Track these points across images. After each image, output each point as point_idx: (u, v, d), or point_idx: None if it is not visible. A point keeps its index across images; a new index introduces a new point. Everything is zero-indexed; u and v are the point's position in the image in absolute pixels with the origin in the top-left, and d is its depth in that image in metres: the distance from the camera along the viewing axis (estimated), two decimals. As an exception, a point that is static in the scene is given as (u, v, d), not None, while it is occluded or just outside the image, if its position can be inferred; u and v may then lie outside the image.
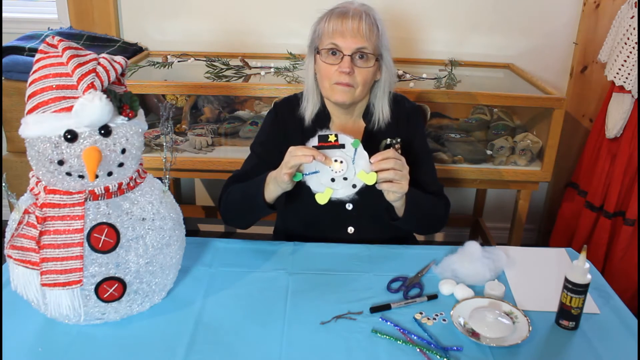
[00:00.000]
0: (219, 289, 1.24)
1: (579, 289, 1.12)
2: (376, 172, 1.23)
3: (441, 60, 2.45)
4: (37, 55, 1.01)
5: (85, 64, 0.99)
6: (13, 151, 2.36)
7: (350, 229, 1.49)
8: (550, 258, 1.42)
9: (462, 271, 1.28)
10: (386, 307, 1.19)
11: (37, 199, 1.02)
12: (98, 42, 2.37)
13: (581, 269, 1.12)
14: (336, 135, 1.22)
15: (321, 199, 1.23)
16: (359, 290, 1.25)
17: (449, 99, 2.07)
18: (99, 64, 1.00)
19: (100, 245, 1.02)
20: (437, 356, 1.06)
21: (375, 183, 1.24)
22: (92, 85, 0.98)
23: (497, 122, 2.25)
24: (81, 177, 1.00)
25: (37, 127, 0.97)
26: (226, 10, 2.46)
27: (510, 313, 1.16)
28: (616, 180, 2.16)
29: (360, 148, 1.23)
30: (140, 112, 1.07)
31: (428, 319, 1.16)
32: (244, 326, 1.13)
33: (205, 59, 2.34)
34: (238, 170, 1.53)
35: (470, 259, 1.30)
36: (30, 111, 0.99)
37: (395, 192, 1.26)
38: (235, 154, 2.10)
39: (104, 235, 1.03)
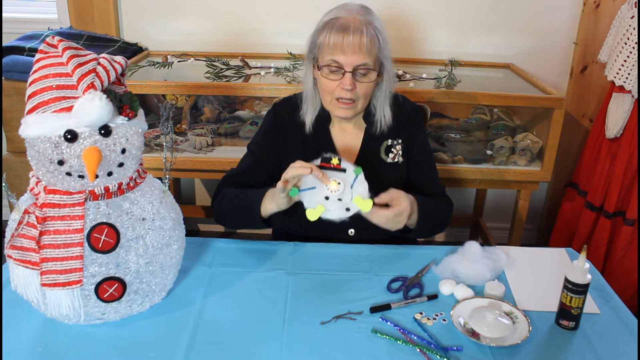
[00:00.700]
0: (219, 289, 1.24)
1: (579, 289, 1.12)
2: (373, 200, 1.24)
3: (441, 60, 2.45)
4: (37, 55, 1.01)
5: (85, 64, 0.99)
6: (13, 151, 2.36)
7: (351, 231, 1.49)
8: (550, 258, 1.42)
9: (462, 271, 1.28)
10: (386, 307, 1.19)
11: (37, 199, 1.02)
12: (98, 42, 2.37)
13: (581, 269, 1.12)
14: (339, 160, 1.23)
15: (312, 214, 1.22)
16: (359, 290, 1.25)
17: (449, 99, 2.07)
18: (99, 64, 1.00)
19: (100, 245, 1.02)
20: (437, 356, 1.06)
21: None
22: (92, 85, 0.98)
23: (497, 122, 2.25)
24: (81, 177, 1.00)
25: (37, 127, 0.97)
26: (226, 10, 2.46)
27: (510, 313, 1.16)
28: (616, 180, 2.16)
29: (361, 176, 1.24)
30: (140, 112, 1.07)
31: (428, 319, 1.16)
32: (244, 326, 1.13)
33: (205, 59, 2.34)
34: (233, 170, 1.53)
35: (470, 259, 1.30)
36: (30, 111, 0.99)
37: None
38: (235, 154, 2.09)
39: (104, 235, 1.03)
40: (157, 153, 2.09)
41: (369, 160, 1.48)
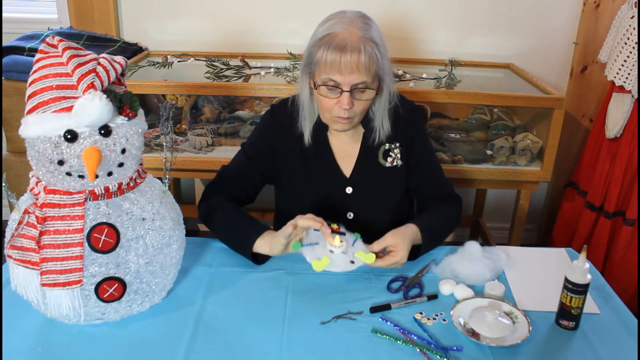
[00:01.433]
0: (219, 289, 1.24)
1: (579, 289, 1.12)
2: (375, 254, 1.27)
3: (441, 60, 2.45)
4: (37, 55, 1.01)
5: (85, 64, 0.99)
6: (13, 151, 2.36)
7: (350, 214, 1.48)
8: (550, 258, 1.42)
9: (462, 271, 1.28)
10: (386, 307, 1.19)
11: (37, 199, 1.02)
12: (98, 42, 2.37)
13: (581, 269, 1.12)
14: (338, 225, 1.28)
15: (317, 265, 1.23)
16: (359, 290, 1.25)
17: (449, 99, 2.07)
18: (99, 64, 1.00)
19: (100, 245, 1.02)
20: (437, 356, 1.06)
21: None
22: (92, 85, 0.98)
23: (497, 122, 2.25)
24: (81, 177, 1.00)
25: (37, 127, 0.97)
26: (226, 10, 2.46)
27: (510, 313, 1.16)
28: (616, 180, 2.16)
29: (360, 241, 1.29)
30: (140, 112, 1.07)
31: (428, 319, 1.16)
32: (244, 326, 1.13)
33: (205, 59, 2.34)
34: (225, 168, 1.52)
35: (470, 259, 1.30)
36: (30, 111, 0.99)
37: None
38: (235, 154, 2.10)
39: (104, 235, 1.03)
40: (157, 153, 2.09)
41: (367, 166, 1.48)
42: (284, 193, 1.55)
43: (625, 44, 2.02)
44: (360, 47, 1.27)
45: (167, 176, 1.16)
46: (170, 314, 1.16)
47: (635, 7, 1.99)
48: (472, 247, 1.33)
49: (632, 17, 2.00)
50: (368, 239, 1.44)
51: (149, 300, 1.14)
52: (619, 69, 2.06)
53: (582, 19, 2.41)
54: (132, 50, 2.41)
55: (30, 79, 1.00)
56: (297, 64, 2.29)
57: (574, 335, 1.14)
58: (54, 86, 0.97)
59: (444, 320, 1.17)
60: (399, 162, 1.48)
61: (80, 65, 0.98)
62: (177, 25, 2.49)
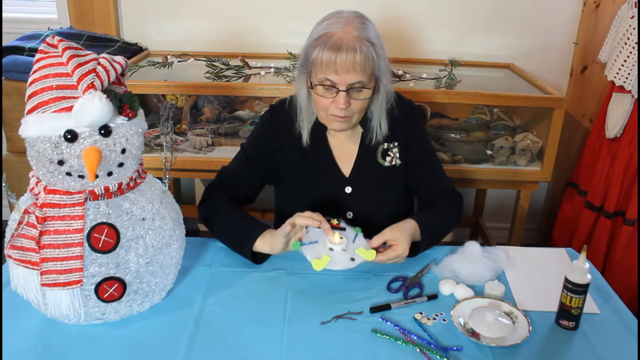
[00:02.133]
0: (219, 289, 1.24)
1: (579, 289, 1.12)
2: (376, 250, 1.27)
3: (441, 60, 2.45)
4: (37, 55, 1.01)
5: (85, 64, 0.99)
6: (13, 151, 2.36)
7: (349, 214, 1.48)
8: (550, 258, 1.42)
9: (462, 271, 1.28)
10: (386, 307, 1.19)
11: (37, 199, 1.02)
12: (98, 42, 2.37)
13: (581, 269, 1.12)
14: (338, 220, 1.27)
15: (317, 265, 1.23)
16: (359, 290, 1.25)
17: (449, 99, 2.07)
18: (99, 64, 1.00)
19: (100, 245, 1.02)
20: (437, 356, 1.06)
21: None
22: (92, 85, 0.98)
23: (497, 122, 2.25)
24: (81, 177, 1.00)
25: (37, 127, 0.97)
26: (226, 10, 2.46)
27: (510, 313, 1.16)
28: (616, 180, 2.16)
29: (361, 235, 1.28)
30: (140, 112, 1.07)
31: (428, 319, 1.16)
32: (244, 326, 1.13)
33: (205, 59, 2.34)
34: (225, 169, 1.52)
35: (470, 259, 1.30)
36: (30, 111, 0.99)
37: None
38: (235, 154, 2.09)
39: (104, 235, 1.03)
40: (157, 153, 2.09)
41: (366, 166, 1.48)
42: (284, 193, 1.55)
43: (625, 44, 2.02)
44: (355, 46, 1.26)
45: (167, 176, 1.16)
46: (170, 314, 1.16)
47: (635, 7, 1.99)
48: (472, 247, 1.33)
49: (632, 17, 2.00)
50: (367, 218, 1.45)
51: (149, 300, 1.14)
52: (619, 69, 2.06)
53: (582, 19, 2.41)
54: (132, 50, 2.41)
55: (30, 79, 1.00)
56: (297, 63, 2.28)
57: (574, 335, 1.14)
58: (54, 86, 0.97)
59: (444, 320, 1.17)
60: (398, 162, 1.48)
61: (80, 65, 0.98)
62: (177, 25, 2.49)
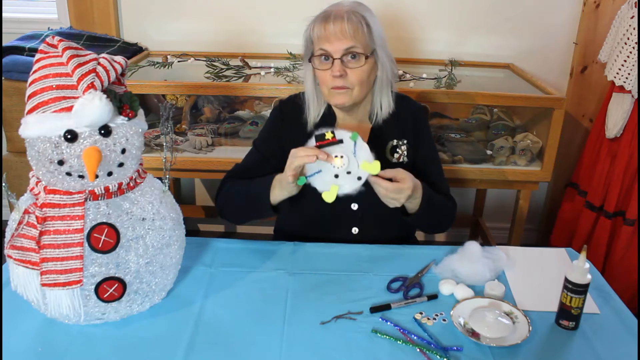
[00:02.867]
0: (219, 289, 1.24)
1: (579, 289, 1.12)
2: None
3: (441, 60, 2.45)
4: (37, 55, 1.01)
5: (85, 64, 0.99)
6: (13, 151, 2.36)
7: (355, 230, 1.49)
8: (550, 258, 1.42)
9: (462, 271, 1.28)
10: (386, 307, 1.19)
11: (37, 199, 1.02)
12: (98, 42, 2.37)
13: (581, 269, 1.12)
14: (332, 132, 1.22)
15: (328, 197, 1.22)
16: (359, 290, 1.25)
17: (449, 99, 2.07)
18: (99, 64, 1.00)
19: (100, 245, 1.02)
20: (437, 356, 1.06)
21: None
22: (92, 85, 0.98)
23: (497, 122, 2.25)
24: (81, 177, 1.00)
25: (37, 127, 0.97)
26: (226, 10, 2.46)
27: (510, 313, 1.16)
28: (616, 180, 2.16)
29: (360, 140, 1.23)
30: (140, 112, 1.07)
31: (428, 319, 1.16)
32: (244, 326, 1.13)
33: (205, 59, 2.34)
34: (238, 165, 1.53)
35: (470, 259, 1.30)
36: (30, 111, 0.99)
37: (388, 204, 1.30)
38: (235, 154, 2.09)
39: (104, 235, 1.03)
40: (157, 153, 2.09)
41: None
42: None
43: (625, 44, 2.02)
44: (344, 15, 1.34)
45: (167, 176, 1.17)
46: (170, 314, 1.16)
47: (635, 7, 1.99)
48: (472, 247, 1.33)
49: (632, 17, 2.00)
50: (372, 234, 1.45)
51: (149, 300, 1.14)
52: (619, 69, 2.06)
53: (582, 19, 2.41)
54: (132, 50, 2.41)
55: (30, 79, 1.00)
56: (297, 63, 2.29)
57: (574, 335, 1.14)
58: (54, 86, 0.97)
59: (444, 320, 1.17)
60: (405, 159, 1.50)
61: (80, 65, 0.98)
62: (177, 25, 2.49)
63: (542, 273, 1.34)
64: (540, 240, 2.78)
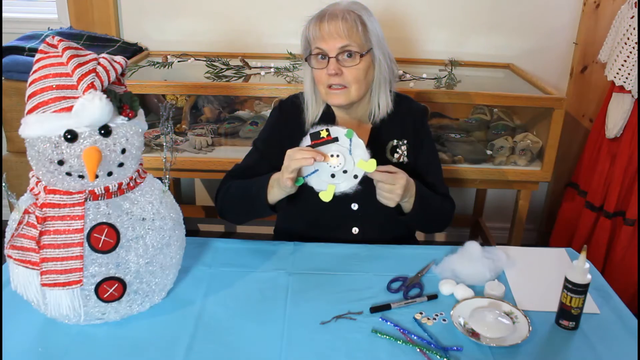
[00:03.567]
0: (219, 289, 1.24)
1: (579, 289, 1.12)
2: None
3: (441, 60, 2.45)
4: (37, 55, 1.01)
5: (85, 64, 0.99)
6: (13, 151, 2.36)
7: (355, 230, 1.49)
8: (550, 258, 1.42)
9: (462, 271, 1.28)
10: (386, 307, 1.19)
11: (37, 199, 1.02)
12: (98, 42, 2.37)
13: (581, 269, 1.12)
14: (327, 130, 1.22)
15: (325, 196, 1.22)
16: (359, 290, 1.25)
17: (449, 99, 2.07)
18: (99, 64, 1.00)
19: (100, 245, 1.02)
20: (437, 356, 1.06)
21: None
22: (92, 85, 0.98)
23: (497, 122, 2.25)
24: (81, 177, 1.00)
25: (37, 127, 0.97)
26: (226, 10, 2.46)
27: (510, 313, 1.16)
28: (616, 180, 2.16)
29: (355, 137, 1.22)
30: (140, 112, 1.07)
31: (428, 319, 1.16)
32: (244, 326, 1.13)
33: (205, 59, 2.34)
34: (238, 165, 1.53)
35: (470, 259, 1.30)
36: (30, 111, 0.99)
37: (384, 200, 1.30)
38: (235, 154, 2.09)
39: (104, 235, 1.03)
40: (157, 153, 2.09)
41: None
42: None
43: (625, 44, 2.02)
44: (339, 14, 1.36)
45: (167, 176, 1.17)
46: (170, 314, 1.16)
47: (635, 7, 1.99)
48: (472, 247, 1.33)
49: (632, 17, 2.00)
50: (372, 234, 1.45)
51: (149, 300, 1.14)
52: (619, 69, 2.06)
53: (582, 19, 2.41)
54: (132, 50, 2.41)
55: (30, 79, 1.00)
56: (297, 63, 2.29)
57: (574, 335, 1.14)
58: (54, 86, 0.97)
59: (444, 320, 1.17)
60: (405, 160, 1.50)
61: (80, 65, 0.98)
62: (177, 25, 2.49)
63: (542, 273, 1.34)
64: (540, 240, 2.78)
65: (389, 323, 1.14)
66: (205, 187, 2.80)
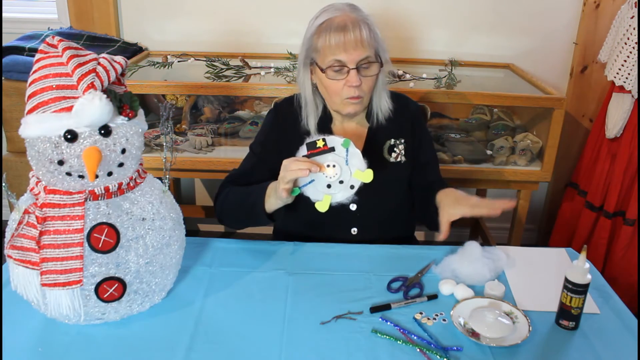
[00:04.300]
0: (219, 289, 1.24)
1: (579, 289, 1.12)
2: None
3: (441, 60, 2.45)
4: (37, 55, 1.01)
5: (85, 64, 0.99)
6: (13, 151, 2.36)
7: (354, 230, 1.49)
8: (550, 258, 1.42)
9: (462, 271, 1.28)
10: (386, 307, 1.19)
11: (37, 199, 1.02)
12: (98, 42, 2.37)
13: (581, 269, 1.12)
14: (324, 140, 1.20)
15: (321, 206, 1.22)
16: (359, 290, 1.25)
17: (449, 99, 2.07)
18: (99, 64, 1.00)
19: (100, 245, 1.02)
20: (437, 356, 1.06)
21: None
22: (92, 85, 0.98)
23: (497, 122, 2.25)
24: (81, 177, 1.00)
25: (37, 127, 0.97)
26: (226, 10, 2.46)
27: (510, 313, 1.16)
28: (616, 180, 2.16)
29: (352, 147, 1.21)
30: (140, 112, 1.07)
31: (428, 319, 1.16)
32: (244, 326, 1.13)
33: (205, 59, 2.34)
34: (236, 170, 1.53)
35: (470, 259, 1.30)
36: (30, 111, 0.99)
37: None
38: (235, 154, 2.10)
39: (104, 235, 1.03)
40: (157, 153, 2.09)
41: (372, 160, 1.48)
42: None
43: (625, 44, 2.02)
44: (359, 24, 1.34)
45: (167, 176, 1.17)
46: (170, 314, 1.16)
47: (635, 7, 1.99)
48: (472, 247, 1.33)
49: (632, 17, 2.00)
50: (371, 235, 1.45)
51: (149, 300, 1.14)
52: (619, 69, 2.06)
53: (582, 19, 2.41)
54: (132, 50, 2.41)
55: (30, 79, 1.00)
56: (297, 63, 2.28)
57: (574, 335, 1.14)
58: (54, 86, 0.97)
59: (444, 320, 1.17)
60: (403, 159, 1.50)
61: (80, 65, 0.98)
62: (177, 25, 2.49)
63: (542, 273, 1.34)
64: (540, 240, 2.78)
65: (389, 323, 1.14)
66: (205, 187, 2.80)
